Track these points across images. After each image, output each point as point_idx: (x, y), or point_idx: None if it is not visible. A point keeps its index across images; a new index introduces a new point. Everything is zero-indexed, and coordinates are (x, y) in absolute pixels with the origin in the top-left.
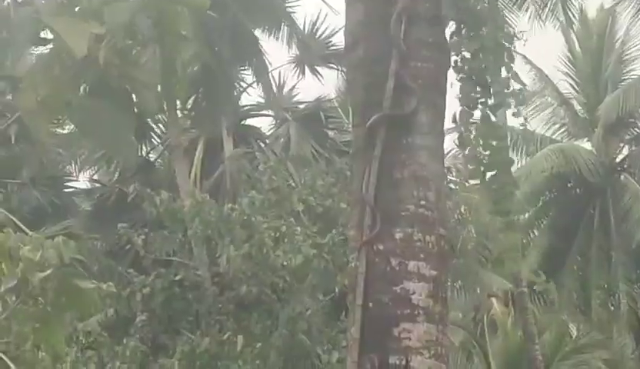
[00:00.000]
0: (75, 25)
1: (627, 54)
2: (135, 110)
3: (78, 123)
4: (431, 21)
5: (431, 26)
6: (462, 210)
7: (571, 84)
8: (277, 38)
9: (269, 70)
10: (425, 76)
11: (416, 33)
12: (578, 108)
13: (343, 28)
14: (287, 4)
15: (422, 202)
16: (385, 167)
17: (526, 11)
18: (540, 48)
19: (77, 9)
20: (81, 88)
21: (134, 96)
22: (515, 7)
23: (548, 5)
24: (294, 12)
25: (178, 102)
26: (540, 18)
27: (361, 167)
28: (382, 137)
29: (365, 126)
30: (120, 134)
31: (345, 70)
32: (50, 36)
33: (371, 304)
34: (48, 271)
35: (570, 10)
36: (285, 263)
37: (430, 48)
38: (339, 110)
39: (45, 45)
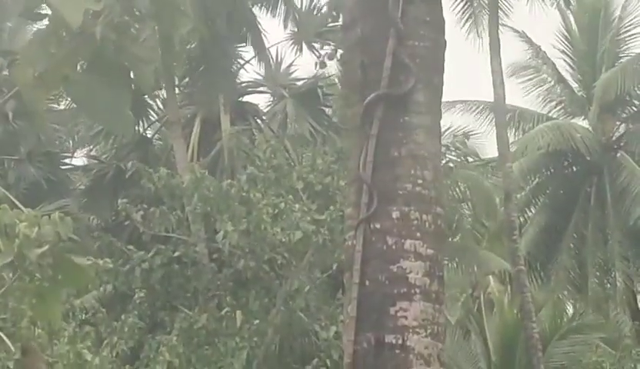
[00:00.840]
0: None
1: (623, 32)
2: (133, 86)
3: (76, 98)
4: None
5: (428, 5)
6: (460, 187)
7: (567, 62)
8: (274, 15)
9: (267, 47)
10: (422, 55)
11: (413, 12)
12: (574, 85)
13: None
14: None
15: (419, 181)
16: (382, 145)
17: None
18: (537, 26)
19: None
20: (79, 64)
21: (131, 72)
22: None
23: None
24: None
25: (175, 79)
26: None
27: (358, 146)
28: (379, 115)
29: (362, 104)
30: (117, 109)
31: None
32: (46, 11)
33: (367, 283)
34: (45, 248)
35: None
36: (283, 239)
37: (427, 27)
38: (338, 84)
39: (41, 20)
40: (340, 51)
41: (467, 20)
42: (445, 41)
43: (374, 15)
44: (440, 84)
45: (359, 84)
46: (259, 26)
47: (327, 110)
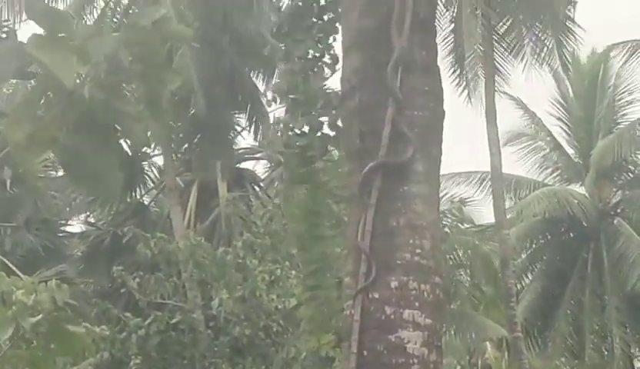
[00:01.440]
0: (62, 56)
1: (618, 99)
2: (129, 152)
3: (63, 162)
4: (427, 69)
5: (427, 75)
6: (459, 253)
7: (563, 128)
8: (272, 81)
9: (264, 114)
10: (420, 124)
11: (412, 81)
12: (570, 151)
13: (340, 75)
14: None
15: (418, 251)
16: (381, 215)
17: (522, 59)
18: (533, 93)
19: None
20: (67, 126)
21: (122, 132)
22: (511, 56)
23: (544, 52)
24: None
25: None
26: (536, 65)
27: (356, 215)
28: (378, 185)
29: (360, 173)
30: (105, 171)
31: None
32: (36, 70)
33: (365, 353)
34: (40, 317)
35: (565, 56)
36: (279, 306)
37: (426, 97)
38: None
39: (30, 79)
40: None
41: (464, 88)
42: (444, 111)
43: (372, 84)
44: (439, 154)
45: (358, 153)
46: (257, 93)
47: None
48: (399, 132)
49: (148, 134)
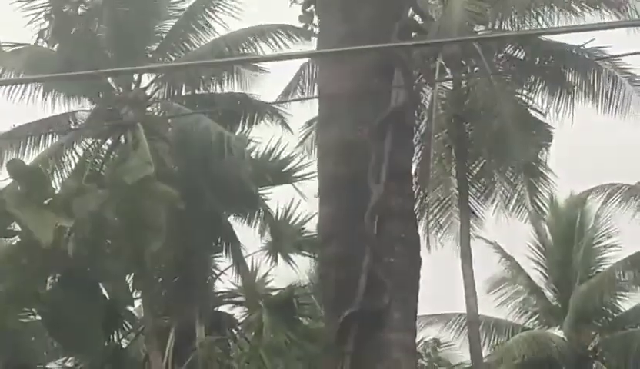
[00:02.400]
0: (41, 215)
1: (597, 243)
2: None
3: (45, 319)
4: (403, 216)
5: (403, 222)
6: None
7: (541, 272)
8: (250, 225)
9: (243, 256)
10: (397, 272)
11: (389, 229)
12: (549, 295)
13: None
14: (260, 192)
15: None
16: (358, 363)
17: (492, 202)
18: (511, 233)
19: (46, 202)
20: (50, 280)
21: (105, 289)
22: (482, 198)
23: (515, 197)
24: (267, 199)
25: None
26: (507, 209)
27: (333, 363)
28: (355, 333)
29: (337, 321)
30: (87, 327)
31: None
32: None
33: None
34: None
35: (540, 200)
36: None
37: (402, 244)
38: (312, 297)
39: (12, 237)
40: None
41: (437, 230)
42: (420, 259)
43: (349, 232)
44: (415, 301)
45: (334, 301)
46: (236, 236)
47: (302, 320)
48: (376, 280)
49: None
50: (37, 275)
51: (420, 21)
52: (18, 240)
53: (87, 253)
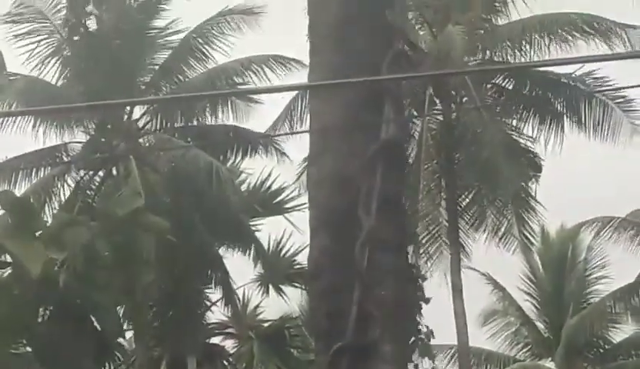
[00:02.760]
0: (31, 247)
1: (589, 274)
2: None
3: (36, 352)
4: (394, 248)
5: (394, 254)
6: None
7: (533, 304)
8: (242, 256)
9: (234, 288)
10: (387, 304)
11: (380, 260)
12: (540, 326)
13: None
14: (252, 224)
15: None
16: None
17: (483, 231)
18: (502, 267)
19: (37, 234)
20: (41, 311)
21: (97, 321)
22: (471, 229)
23: (504, 228)
24: (259, 230)
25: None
26: (497, 240)
27: None
28: (346, 365)
29: (328, 353)
30: (78, 360)
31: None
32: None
33: None
34: None
35: (529, 231)
36: None
37: (393, 276)
38: (303, 329)
39: (4, 268)
40: None
41: (426, 261)
42: (411, 289)
43: (340, 264)
44: (405, 333)
45: (325, 334)
46: (226, 268)
47: (293, 351)
48: (366, 313)
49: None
50: (28, 307)
51: (410, 53)
52: (10, 271)
53: (78, 284)
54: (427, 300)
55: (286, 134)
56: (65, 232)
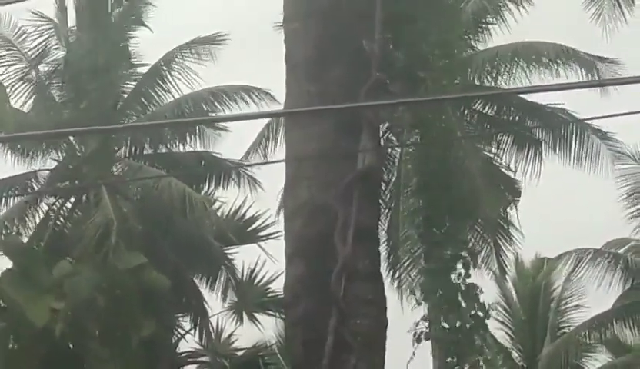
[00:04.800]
0: (37, 298)
1: (563, 303)
2: None
3: None
4: (370, 277)
5: (370, 283)
6: None
7: (506, 332)
8: (215, 284)
9: (208, 316)
10: (364, 333)
11: (355, 290)
12: (514, 355)
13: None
14: (226, 252)
15: None
16: None
17: None
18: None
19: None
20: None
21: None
22: None
23: (481, 255)
24: (233, 259)
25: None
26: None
27: None
28: None
29: None
30: None
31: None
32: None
33: None
34: None
35: (503, 260)
36: None
37: (369, 306)
38: (279, 356)
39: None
40: None
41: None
42: (387, 319)
43: (316, 293)
44: (381, 361)
45: (302, 362)
46: (200, 295)
47: None
48: (342, 341)
49: None
50: (24, 354)
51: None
52: (5, 323)
53: (75, 334)
54: None
55: (260, 163)
56: (66, 283)
